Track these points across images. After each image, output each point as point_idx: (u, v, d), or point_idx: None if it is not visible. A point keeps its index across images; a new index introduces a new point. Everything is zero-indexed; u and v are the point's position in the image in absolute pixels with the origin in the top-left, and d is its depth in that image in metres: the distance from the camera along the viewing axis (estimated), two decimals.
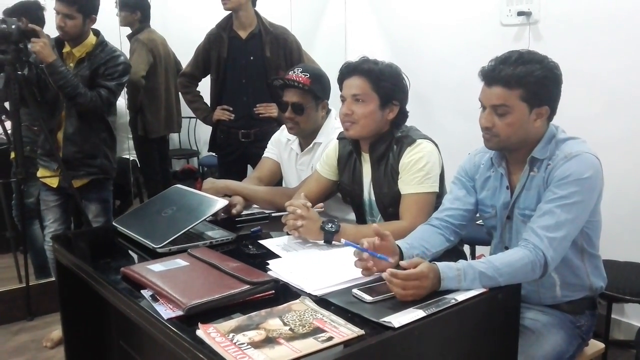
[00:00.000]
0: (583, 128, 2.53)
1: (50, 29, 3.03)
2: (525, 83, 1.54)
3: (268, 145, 2.53)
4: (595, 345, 1.85)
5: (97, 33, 2.82)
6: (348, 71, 1.94)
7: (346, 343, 1.17)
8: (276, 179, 2.51)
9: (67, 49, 2.79)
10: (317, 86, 2.23)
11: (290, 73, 2.27)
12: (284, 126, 2.46)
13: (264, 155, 2.52)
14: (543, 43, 2.86)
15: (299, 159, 2.39)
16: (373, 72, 1.89)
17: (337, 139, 2.14)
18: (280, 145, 2.48)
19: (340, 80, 1.97)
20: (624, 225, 2.58)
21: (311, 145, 2.34)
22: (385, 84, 1.90)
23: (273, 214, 2.16)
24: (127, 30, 4.15)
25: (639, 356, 2.04)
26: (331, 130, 2.29)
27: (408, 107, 2.01)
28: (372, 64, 1.91)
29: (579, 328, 1.72)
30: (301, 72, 2.23)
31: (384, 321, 1.24)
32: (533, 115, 1.58)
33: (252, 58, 3.12)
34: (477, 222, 1.92)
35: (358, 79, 1.91)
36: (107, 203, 3.00)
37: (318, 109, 2.29)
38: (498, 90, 1.56)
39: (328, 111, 2.35)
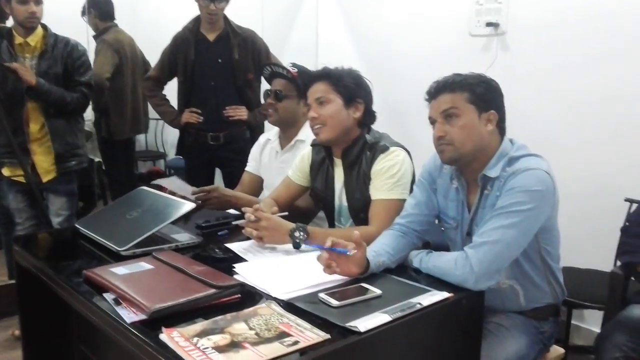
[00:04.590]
0: (546, 136, 2.61)
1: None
2: (468, 85, 1.62)
3: (248, 160, 2.54)
4: (556, 351, 1.88)
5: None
6: (309, 80, 2.01)
7: (312, 347, 1.17)
8: (258, 191, 2.50)
9: (19, 40, 2.74)
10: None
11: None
12: (262, 135, 2.52)
13: (245, 170, 2.53)
14: (510, 53, 2.92)
15: (279, 157, 2.41)
16: (332, 74, 1.96)
17: (311, 145, 2.17)
18: (259, 150, 2.50)
19: (304, 91, 2.04)
20: (584, 233, 2.63)
21: (292, 142, 2.37)
22: (345, 83, 1.96)
23: (234, 222, 2.10)
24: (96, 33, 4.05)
25: None
26: None
27: (381, 118, 2.05)
28: (331, 69, 1.99)
29: (542, 334, 1.75)
30: (292, 66, 2.34)
31: (350, 325, 1.25)
32: (483, 120, 1.62)
33: (220, 60, 3.10)
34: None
35: (319, 83, 1.97)
36: (74, 196, 2.98)
37: (299, 103, 2.31)
38: (445, 97, 1.63)
39: None
